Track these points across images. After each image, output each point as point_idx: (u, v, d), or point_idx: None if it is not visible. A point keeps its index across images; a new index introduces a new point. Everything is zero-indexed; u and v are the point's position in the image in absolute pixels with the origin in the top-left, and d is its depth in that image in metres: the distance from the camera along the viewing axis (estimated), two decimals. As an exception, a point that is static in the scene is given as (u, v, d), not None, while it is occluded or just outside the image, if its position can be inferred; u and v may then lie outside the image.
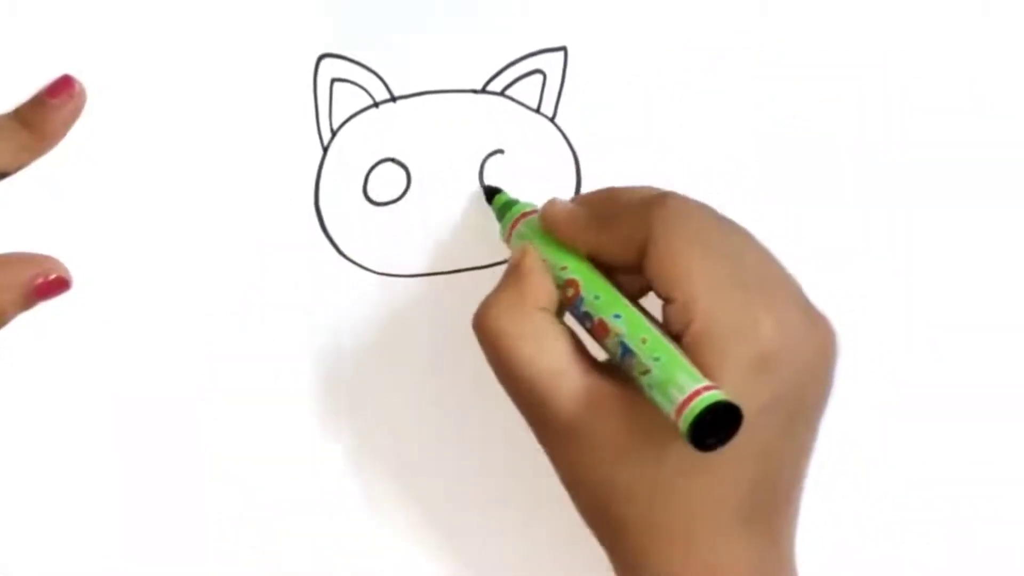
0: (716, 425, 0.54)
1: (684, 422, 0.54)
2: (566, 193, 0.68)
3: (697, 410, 0.54)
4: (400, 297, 0.68)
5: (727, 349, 0.56)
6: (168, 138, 0.66)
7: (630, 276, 0.60)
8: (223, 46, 0.66)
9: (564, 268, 0.61)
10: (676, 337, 0.57)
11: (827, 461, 0.64)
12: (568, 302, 0.60)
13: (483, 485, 0.69)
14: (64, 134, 0.65)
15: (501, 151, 0.68)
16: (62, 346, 0.67)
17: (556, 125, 0.68)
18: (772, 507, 0.59)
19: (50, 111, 0.64)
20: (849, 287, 0.69)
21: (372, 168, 0.67)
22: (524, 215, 0.64)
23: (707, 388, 0.54)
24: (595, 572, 0.61)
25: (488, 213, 0.67)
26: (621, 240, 0.59)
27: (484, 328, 0.60)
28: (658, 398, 0.55)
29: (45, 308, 0.65)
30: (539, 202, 0.64)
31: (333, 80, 0.67)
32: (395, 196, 0.68)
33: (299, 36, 0.66)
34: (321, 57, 0.67)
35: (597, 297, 0.59)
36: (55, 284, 0.65)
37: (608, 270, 0.61)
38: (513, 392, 0.60)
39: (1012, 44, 0.68)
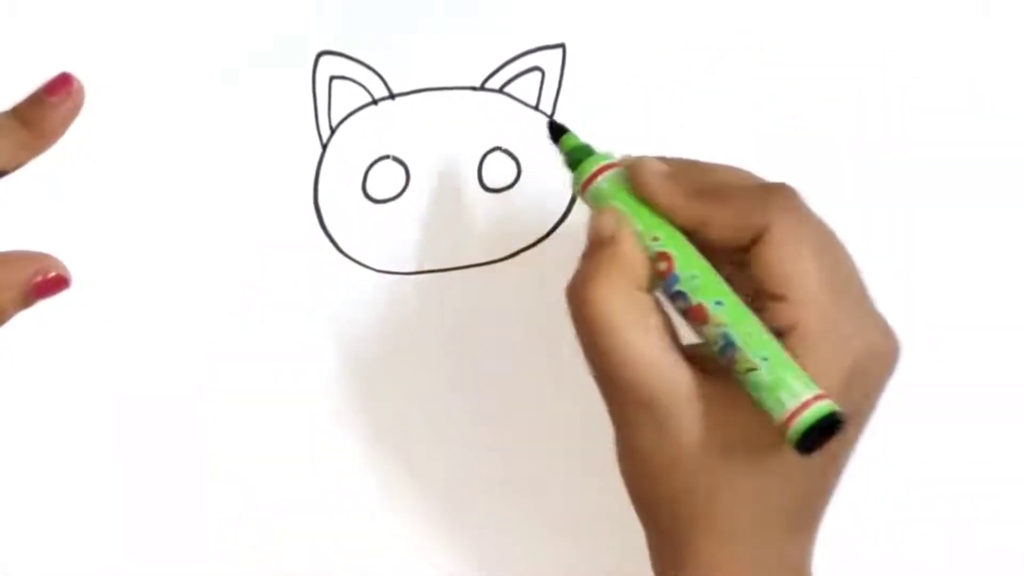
0: (822, 434, 0.54)
1: (796, 430, 0.54)
2: (565, 189, 0.68)
3: (811, 420, 0.54)
4: (399, 294, 0.68)
5: (831, 357, 0.56)
6: (167, 136, 0.66)
7: (721, 262, 0.58)
8: (222, 44, 0.66)
9: (656, 239, 0.57)
10: (776, 335, 0.56)
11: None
12: (659, 276, 0.57)
13: (483, 483, 0.69)
14: (63, 132, 0.64)
15: (500, 148, 0.68)
16: (60, 344, 0.66)
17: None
18: (818, 512, 0.59)
19: (49, 109, 0.64)
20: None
21: (371, 165, 0.67)
22: (604, 168, 0.60)
23: (819, 397, 0.54)
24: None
25: (486, 210, 0.67)
26: (733, 221, 0.57)
27: (585, 307, 0.57)
28: (766, 400, 0.55)
29: (44, 307, 0.65)
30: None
31: (332, 78, 0.67)
32: (394, 193, 0.68)
33: (298, 34, 0.66)
34: (320, 55, 0.66)
35: (695, 277, 0.57)
36: (54, 282, 0.64)
37: (701, 251, 0.58)
38: (609, 380, 0.57)
39: (1012, 44, 0.69)
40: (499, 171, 0.68)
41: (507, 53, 0.67)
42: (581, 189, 0.60)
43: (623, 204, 0.58)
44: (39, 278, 0.64)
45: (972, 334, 0.70)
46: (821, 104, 0.68)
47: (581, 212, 0.68)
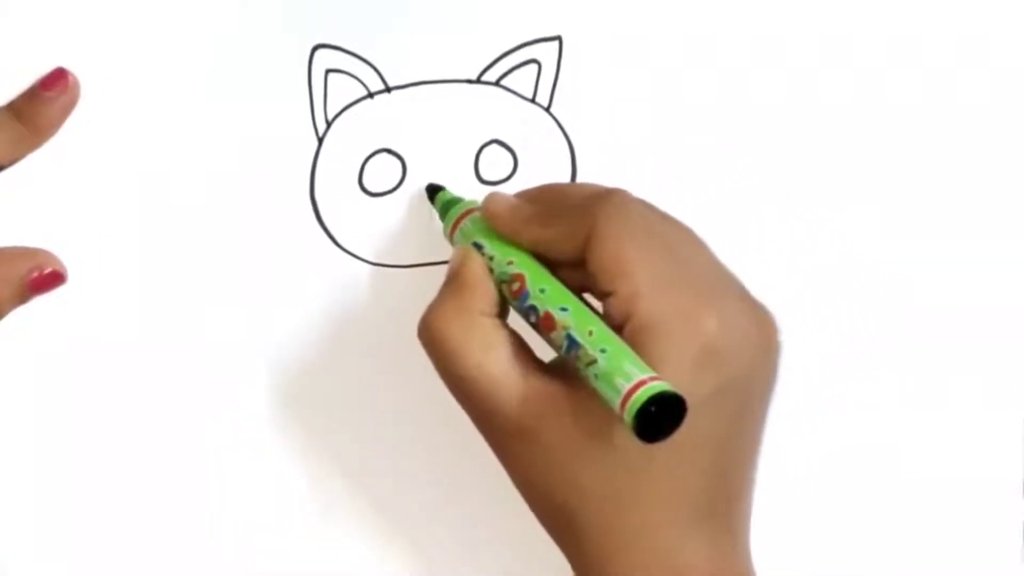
0: (661, 417, 0.54)
1: (629, 412, 0.54)
2: (562, 182, 0.68)
3: (642, 399, 0.54)
4: (396, 287, 0.68)
5: (669, 343, 0.56)
6: (163, 130, 0.66)
7: (573, 273, 0.60)
8: (217, 37, 0.66)
9: (511, 263, 0.61)
10: (617, 331, 0.57)
11: (826, 461, 0.65)
12: (514, 296, 0.60)
13: (482, 479, 0.69)
14: (59, 127, 0.64)
15: (496, 141, 0.68)
16: (56, 340, 0.66)
17: (551, 115, 0.68)
18: (726, 501, 0.59)
19: (44, 104, 0.64)
20: (848, 286, 0.69)
21: (367, 159, 0.67)
22: (468, 212, 0.64)
23: (652, 379, 0.55)
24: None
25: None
26: (565, 234, 0.60)
27: (430, 336, 0.60)
28: (604, 389, 0.56)
29: (40, 302, 0.65)
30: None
31: (328, 71, 0.67)
32: (391, 187, 0.68)
33: (293, 27, 0.66)
34: (315, 48, 0.66)
35: (543, 291, 0.59)
36: (50, 278, 0.65)
37: (552, 266, 0.61)
38: (462, 399, 0.60)
39: (1012, 44, 0.68)
40: (496, 164, 0.68)
41: (503, 46, 0.67)
42: (450, 235, 0.64)
43: (481, 237, 0.62)
44: (35, 274, 0.64)
45: (972, 334, 0.70)
46: (821, 101, 0.68)
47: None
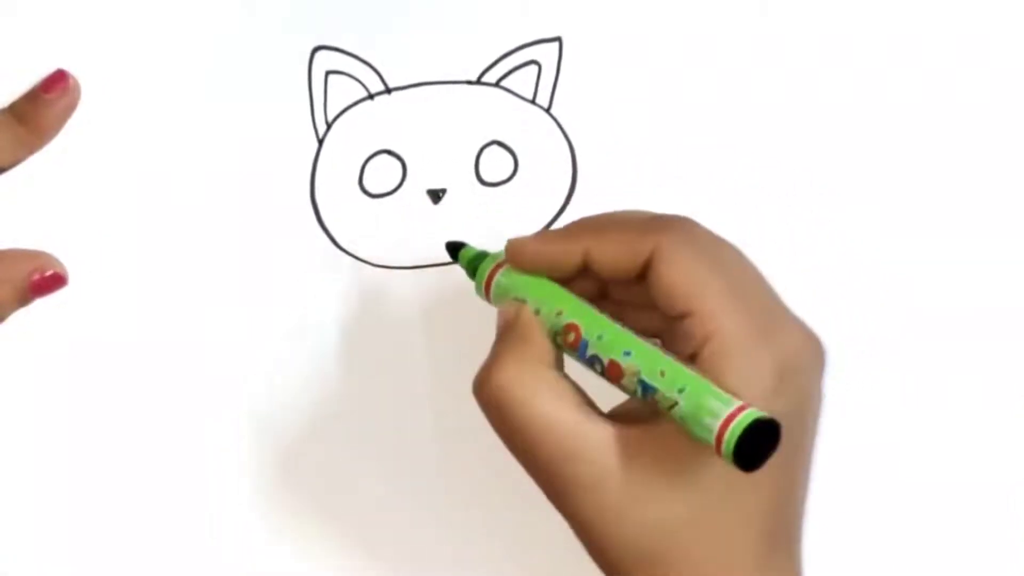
0: (755, 444, 0.53)
1: (727, 449, 0.53)
2: (562, 183, 0.68)
3: (737, 433, 0.53)
4: (396, 289, 0.68)
5: (749, 363, 0.55)
6: (164, 132, 0.66)
7: (624, 291, 0.59)
8: (217, 39, 0.66)
9: (560, 313, 0.58)
10: (690, 355, 0.56)
11: (826, 461, 0.64)
12: (571, 347, 0.58)
13: (482, 479, 0.69)
14: (59, 129, 0.65)
15: (497, 142, 0.68)
16: (57, 341, 0.67)
17: (552, 116, 0.68)
18: (793, 525, 0.59)
19: (45, 106, 0.64)
20: (848, 286, 0.69)
21: (368, 160, 0.67)
22: (499, 266, 0.61)
23: (740, 409, 0.53)
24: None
25: (484, 204, 0.67)
26: (617, 244, 0.58)
27: (492, 391, 0.57)
28: (694, 430, 0.54)
29: (41, 302, 0.65)
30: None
31: (328, 72, 0.67)
32: (391, 188, 0.68)
33: (293, 28, 0.66)
34: (315, 49, 0.67)
35: (600, 337, 0.57)
36: (51, 280, 0.65)
37: (597, 290, 0.59)
38: (533, 456, 0.57)
39: (1012, 44, 0.68)
40: (496, 165, 0.68)
41: (503, 47, 0.67)
42: (485, 292, 0.61)
43: (521, 291, 0.59)
44: (36, 276, 0.64)
45: (972, 334, 0.70)
46: (821, 101, 0.68)
47: (579, 206, 0.68)
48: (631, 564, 0.57)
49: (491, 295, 0.61)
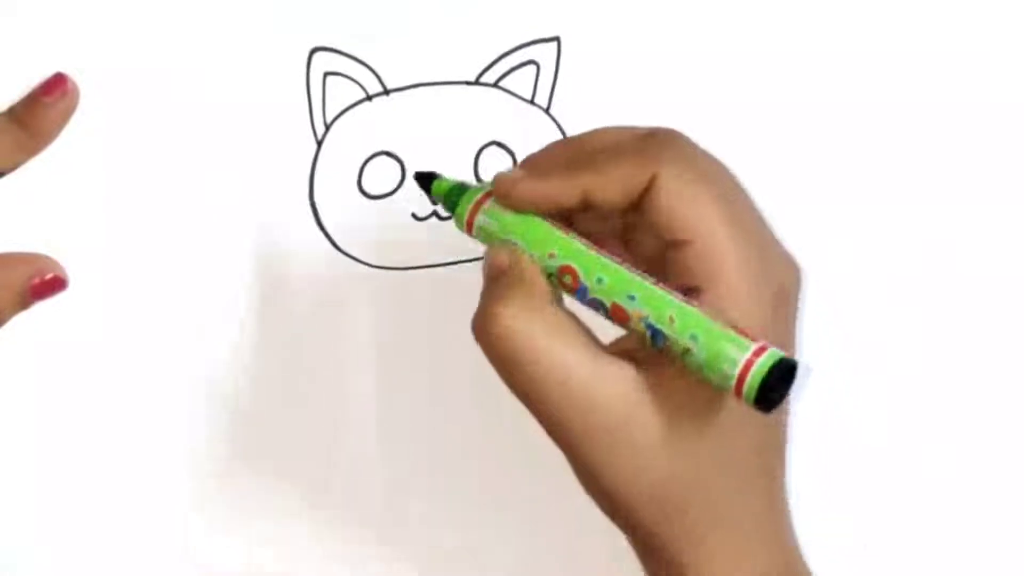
0: (774, 386, 0.53)
1: (748, 392, 0.53)
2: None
3: (759, 378, 0.52)
4: (396, 290, 0.68)
5: (752, 291, 0.54)
6: (162, 135, 0.66)
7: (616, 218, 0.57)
8: (216, 41, 0.66)
9: (553, 255, 0.56)
10: (691, 282, 0.55)
11: (826, 461, 0.65)
12: (570, 291, 0.56)
13: (481, 479, 0.69)
14: (58, 132, 0.65)
15: (496, 143, 0.68)
16: (57, 345, 0.67)
17: (551, 116, 0.68)
18: (784, 457, 0.58)
19: (44, 109, 0.64)
20: (848, 286, 0.69)
21: (366, 161, 0.67)
22: (481, 200, 0.58)
23: (757, 353, 0.53)
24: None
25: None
26: (616, 181, 0.55)
27: (497, 335, 0.55)
28: (712, 377, 0.53)
29: (41, 303, 0.65)
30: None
31: (326, 74, 0.67)
32: (390, 189, 0.68)
33: (291, 30, 0.66)
34: (313, 51, 0.67)
35: (600, 281, 0.55)
36: (51, 283, 0.65)
37: (573, 217, 0.57)
38: (544, 402, 0.55)
39: (1012, 44, 0.68)
40: (495, 166, 0.68)
41: (502, 47, 0.67)
42: (467, 229, 0.58)
43: (509, 233, 0.57)
44: (36, 280, 0.64)
45: (972, 334, 0.70)
46: (821, 101, 0.68)
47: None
48: (653, 511, 0.56)
49: (475, 234, 0.58)
